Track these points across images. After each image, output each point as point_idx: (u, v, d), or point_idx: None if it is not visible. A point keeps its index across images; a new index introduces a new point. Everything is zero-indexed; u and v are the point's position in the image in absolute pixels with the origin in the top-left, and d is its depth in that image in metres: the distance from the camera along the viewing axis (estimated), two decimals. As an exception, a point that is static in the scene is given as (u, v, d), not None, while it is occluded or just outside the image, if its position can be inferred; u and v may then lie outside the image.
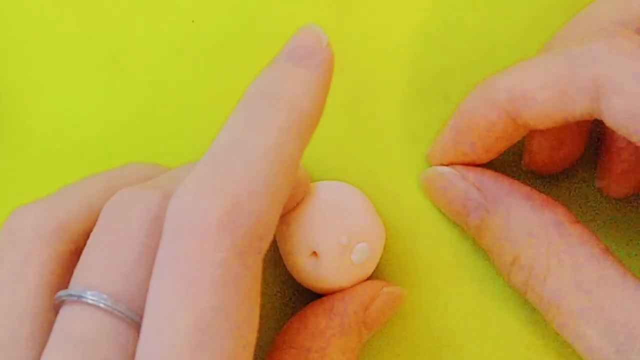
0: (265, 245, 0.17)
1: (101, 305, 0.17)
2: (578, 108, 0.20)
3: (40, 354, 0.17)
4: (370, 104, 0.25)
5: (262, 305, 0.24)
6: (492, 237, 0.22)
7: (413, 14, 0.26)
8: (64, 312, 0.17)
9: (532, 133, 0.24)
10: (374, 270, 0.23)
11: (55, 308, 0.18)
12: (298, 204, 0.23)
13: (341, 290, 0.23)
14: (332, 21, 0.26)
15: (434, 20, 0.26)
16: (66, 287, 0.18)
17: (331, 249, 0.22)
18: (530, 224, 0.22)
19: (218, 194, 0.16)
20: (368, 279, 0.23)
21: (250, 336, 0.16)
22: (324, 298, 0.23)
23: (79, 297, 0.17)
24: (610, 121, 0.19)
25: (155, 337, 0.16)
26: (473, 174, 0.23)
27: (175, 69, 0.26)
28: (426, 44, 0.26)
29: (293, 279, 0.24)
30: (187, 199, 0.16)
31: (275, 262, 0.24)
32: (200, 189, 0.16)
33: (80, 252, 0.19)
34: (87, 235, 0.19)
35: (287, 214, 0.23)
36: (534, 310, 0.24)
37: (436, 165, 0.24)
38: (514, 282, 0.22)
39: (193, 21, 0.26)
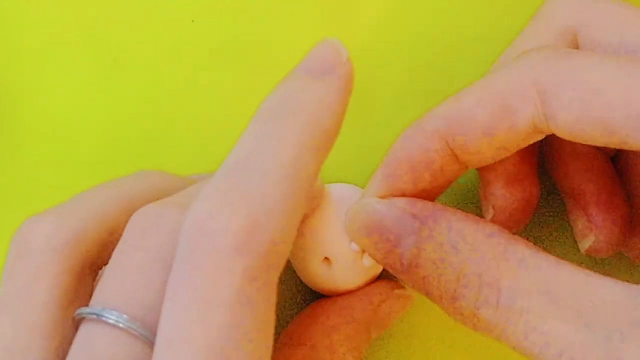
0: (282, 263, 0.16)
1: (121, 325, 0.16)
2: (522, 120, 0.19)
3: None
4: (376, 104, 0.25)
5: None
6: (430, 263, 0.19)
7: (413, 13, 0.26)
8: (84, 330, 0.17)
9: (486, 177, 0.22)
10: (383, 270, 0.24)
11: (76, 324, 0.17)
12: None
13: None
14: (332, 21, 0.26)
15: (435, 19, 0.26)
16: (79, 300, 0.18)
17: (344, 255, 0.22)
18: (475, 235, 0.19)
19: (234, 212, 0.16)
20: (378, 279, 0.23)
21: (266, 356, 0.16)
22: (335, 297, 0.23)
23: (100, 316, 0.17)
24: (560, 126, 0.18)
25: (168, 357, 0.15)
26: (402, 201, 0.20)
27: (175, 69, 0.26)
28: (427, 43, 0.26)
29: (302, 283, 0.24)
30: (202, 217, 0.16)
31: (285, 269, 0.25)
32: (216, 206, 0.16)
33: (93, 264, 0.19)
34: (100, 247, 0.19)
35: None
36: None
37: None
38: (459, 307, 0.19)
39: (193, 21, 0.26)
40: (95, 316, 0.17)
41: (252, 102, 0.26)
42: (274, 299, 0.16)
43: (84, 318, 0.17)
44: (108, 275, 0.17)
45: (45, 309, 0.18)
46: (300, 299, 0.24)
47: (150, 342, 0.16)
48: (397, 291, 0.23)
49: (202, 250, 0.15)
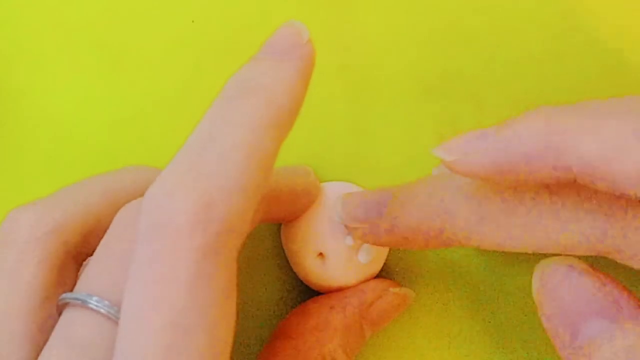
0: (240, 240, 0.17)
1: (102, 311, 0.17)
2: None
3: (35, 351, 0.18)
4: (374, 103, 0.25)
5: (264, 303, 0.24)
6: None
7: (413, 13, 0.26)
8: (67, 315, 0.17)
9: None
10: (381, 269, 0.24)
11: (59, 309, 0.18)
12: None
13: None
14: (332, 21, 0.26)
15: (435, 19, 0.26)
16: (61, 287, 0.19)
17: (337, 250, 0.22)
18: None
19: (190, 191, 0.16)
20: (376, 277, 0.23)
21: (227, 334, 0.16)
22: (328, 294, 0.23)
23: (82, 301, 0.17)
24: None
25: (130, 337, 0.15)
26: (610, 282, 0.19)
27: (175, 69, 0.26)
28: (428, 43, 0.26)
29: (297, 279, 0.24)
30: (160, 197, 0.16)
31: (280, 264, 0.25)
32: (172, 186, 0.16)
33: (76, 253, 0.19)
34: (82, 237, 0.19)
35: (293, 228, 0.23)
36: (535, 312, 0.24)
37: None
38: None
39: (193, 21, 0.26)
40: (78, 301, 0.17)
41: (252, 102, 0.26)
42: (232, 276, 0.16)
43: (67, 303, 0.17)
44: (92, 263, 0.18)
45: (27, 295, 0.18)
46: (296, 295, 0.24)
47: None
48: (392, 289, 0.23)
49: (159, 230, 0.16)
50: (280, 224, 0.24)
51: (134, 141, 0.26)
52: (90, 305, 0.17)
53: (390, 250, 0.24)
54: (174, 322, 0.15)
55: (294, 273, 0.24)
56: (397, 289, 0.23)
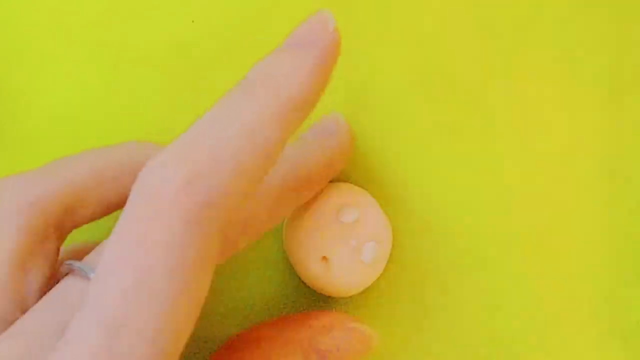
0: (224, 218, 0.17)
1: None
2: None
3: (10, 317, 0.18)
4: (374, 103, 0.25)
5: (263, 304, 0.24)
6: None
7: (413, 13, 0.26)
8: (67, 280, 0.18)
9: None
10: (384, 270, 0.24)
11: (62, 272, 0.19)
12: (305, 209, 0.23)
13: (353, 292, 0.23)
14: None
15: (435, 19, 0.26)
16: (42, 257, 0.19)
17: (341, 253, 0.22)
18: None
19: (182, 162, 0.16)
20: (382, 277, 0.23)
21: (194, 306, 0.16)
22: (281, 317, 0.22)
23: (85, 271, 0.18)
24: None
25: (96, 292, 0.16)
26: None
27: (175, 69, 0.26)
28: (428, 43, 0.26)
29: (298, 280, 0.24)
30: (154, 167, 0.16)
31: (283, 269, 0.25)
32: (168, 158, 0.17)
33: (58, 226, 0.20)
34: (64, 211, 0.20)
35: (294, 219, 0.23)
36: (536, 314, 0.24)
37: None
38: None
39: (193, 21, 0.26)
40: (82, 271, 0.18)
41: (252, 101, 0.26)
42: (209, 254, 0.16)
43: (72, 270, 0.18)
44: (111, 238, 0.18)
45: (7, 264, 0.19)
46: (297, 297, 0.24)
47: None
48: (352, 324, 0.22)
49: (147, 195, 0.16)
50: (280, 226, 0.24)
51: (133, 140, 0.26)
52: (74, 268, 0.18)
53: (391, 250, 0.24)
54: (142, 278, 0.15)
55: (296, 275, 0.24)
56: (356, 324, 0.22)
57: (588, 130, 0.25)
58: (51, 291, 0.18)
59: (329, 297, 0.24)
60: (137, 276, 0.15)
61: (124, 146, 0.21)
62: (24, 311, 0.18)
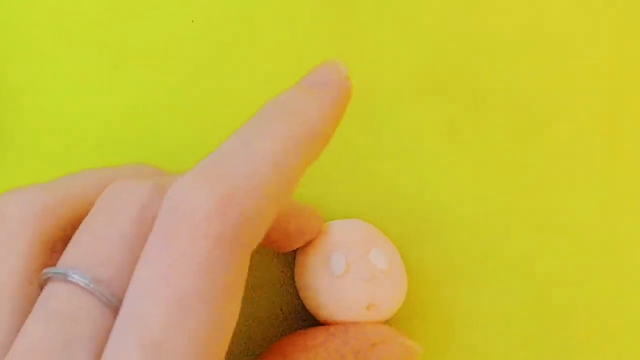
0: (255, 242, 0.17)
1: (82, 284, 0.17)
2: None
3: (20, 329, 0.18)
4: (374, 103, 0.25)
5: (271, 327, 0.24)
6: None
7: (413, 13, 0.26)
8: (48, 289, 0.18)
9: None
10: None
11: (41, 285, 0.18)
12: (313, 247, 0.23)
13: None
14: (332, 21, 0.26)
15: (435, 19, 0.26)
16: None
17: (356, 314, 0.22)
18: None
19: (214, 184, 0.17)
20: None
21: (228, 327, 0.17)
22: (333, 326, 0.23)
23: (64, 275, 0.17)
24: None
25: (133, 312, 0.16)
26: None
27: (175, 69, 0.26)
28: (428, 43, 0.26)
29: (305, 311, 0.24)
30: (184, 187, 0.17)
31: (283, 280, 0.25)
32: (199, 179, 0.17)
33: (67, 238, 0.20)
34: (73, 223, 0.20)
35: (303, 256, 0.23)
36: (540, 324, 0.24)
37: None
38: None
39: (193, 21, 0.26)
40: (60, 275, 0.17)
41: (253, 101, 0.26)
42: (242, 277, 0.17)
43: (49, 278, 0.18)
44: (76, 239, 0.18)
45: (15, 273, 0.19)
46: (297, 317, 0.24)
47: (112, 305, 0.17)
48: (401, 339, 0.23)
49: (178, 217, 0.16)
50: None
51: (134, 140, 0.26)
52: (71, 279, 0.17)
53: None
54: (179, 303, 0.16)
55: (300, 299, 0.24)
56: (404, 340, 0.23)
57: (589, 129, 0.25)
58: (38, 303, 0.18)
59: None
60: (176, 299, 0.16)
61: (132, 165, 0.22)
62: None
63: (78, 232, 0.18)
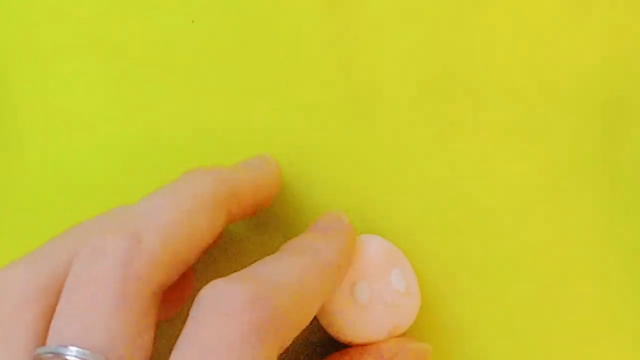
0: (282, 339, 0.18)
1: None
2: None
3: None
4: (374, 103, 0.25)
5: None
6: None
7: (413, 13, 0.26)
8: None
9: None
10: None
11: None
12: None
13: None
14: (332, 21, 0.26)
15: (435, 19, 0.26)
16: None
17: (381, 337, 0.23)
18: None
19: (248, 283, 0.18)
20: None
21: None
22: (345, 350, 0.23)
23: (57, 354, 0.17)
24: None
25: None
26: None
27: (175, 69, 0.26)
28: (428, 43, 0.26)
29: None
30: (216, 286, 0.18)
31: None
32: (231, 280, 0.19)
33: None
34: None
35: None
36: (540, 320, 0.24)
37: None
38: None
39: (193, 21, 0.26)
40: (49, 355, 0.17)
41: (253, 102, 0.26)
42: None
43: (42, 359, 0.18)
44: (59, 312, 0.18)
45: (21, 356, 0.18)
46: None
47: None
48: (410, 345, 0.23)
49: (212, 308, 0.18)
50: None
51: (133, 141, 0.26)
52: (68, 357, 0.17)
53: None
54: None
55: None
56: (414, 344, 0.23)
57: (589, 129, 0.25)
58: None
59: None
60: None
61: (116, 212, 0.22)
62: None
63: (61, 303, 0.18)
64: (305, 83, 0.26)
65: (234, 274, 0.19)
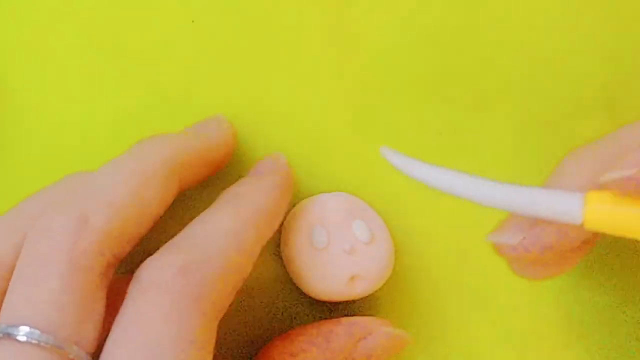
0: (218, 304, 0.19)
1: (29, 340, 0.17)
2: None
3: None
4: (373, 103, 0.25)
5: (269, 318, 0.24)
6: None
7: (413, 13, 0.26)
8: None
9: None
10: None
11: None
12: (297, 220, 0.23)
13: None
14: (332, 21, 0.26)
15: (435, 19, 0.26)
16: None
17: (340, 286, 0.23)
18: None
19: (177, 255, 0.19)
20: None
21: None
22: (316, 323, 0.23)
23: (8, 334, 0.17)
24: None
25: (110, 358, 0.18)
26: None
27: (175, 69, 0.26)
28: (428, 43, 0.26)
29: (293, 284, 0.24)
30: (153, 261, 0.19)
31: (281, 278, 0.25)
32: (164, 253, 0.19)
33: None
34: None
35: (287, 229, 0.23)
36: (536, 320, 0.24)
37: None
38: None
39: (193, 21, 0.26)
40: (1, 334, 0.18)
41: (252, 102, 0.26)
42: (209, 330, 0.19)
43: None
44: (10, 291, 0.18)
45: None
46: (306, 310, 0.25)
47: (62, 351, 0.18)
48: (385, 329, 0.22)
49: (146, 281, 0.18)
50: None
51: (133, 141, 0.25)
52: (16, 337, 0.17)
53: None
54: (150, 350, 0.17)
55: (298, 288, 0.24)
56: (389, 329, 0.22)
57: (589, 129, 0.25)
58: None
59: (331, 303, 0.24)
60: (147, 347, 0.17)
61: (66, 182, 0.22)
62: None
63: (12, 283, 0.18)
64: (305, 83, 0.26)
65: (166, 245, 0.20)
